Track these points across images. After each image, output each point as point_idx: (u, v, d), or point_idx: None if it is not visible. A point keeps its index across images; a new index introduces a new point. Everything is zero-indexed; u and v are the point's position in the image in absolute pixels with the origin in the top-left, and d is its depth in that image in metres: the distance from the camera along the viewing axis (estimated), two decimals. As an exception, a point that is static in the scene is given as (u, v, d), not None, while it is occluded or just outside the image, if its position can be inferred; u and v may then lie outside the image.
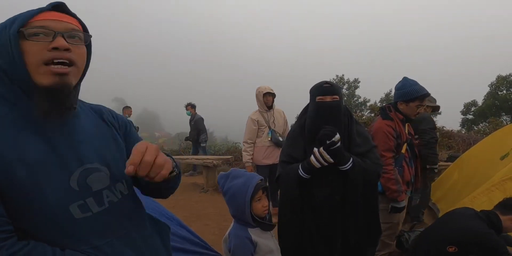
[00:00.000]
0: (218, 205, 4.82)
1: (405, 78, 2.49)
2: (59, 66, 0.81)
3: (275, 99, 4.17)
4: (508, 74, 22.85)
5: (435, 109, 3.95)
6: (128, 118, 6.98)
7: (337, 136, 1.65)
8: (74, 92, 0.88)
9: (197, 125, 7.33)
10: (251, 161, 4.09)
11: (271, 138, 4.01)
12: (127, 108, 7.22)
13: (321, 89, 1.81)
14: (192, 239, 1.94)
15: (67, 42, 0.83)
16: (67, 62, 0.83)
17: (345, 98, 32.26)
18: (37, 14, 0.83)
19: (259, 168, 4.12)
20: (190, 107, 7.48)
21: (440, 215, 3.05)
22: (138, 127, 7.30)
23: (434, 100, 3.83)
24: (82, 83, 0.94)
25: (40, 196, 0.78)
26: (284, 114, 4.30)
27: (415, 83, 2.42)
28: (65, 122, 0.88)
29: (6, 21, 0.84)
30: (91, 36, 0.91)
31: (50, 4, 0.86)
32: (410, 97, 2.39)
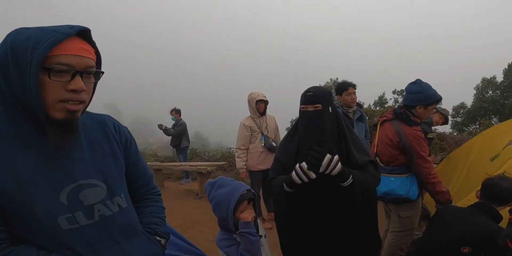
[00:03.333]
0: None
1: (420, 81, 2.39)
2: (72, 103, 0.86)
3: (267, 106, 4.16)
4: (492, 76, 23.38)
5: (446, 120, 4.05)
6: None
7: (336, 157, 1.58)
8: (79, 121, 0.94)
9: (180, 131, 7.24)
10: (245, 167, 4.08)
11: (264, 144, 4.01)
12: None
13: (304, 98, 1.77)
14: (184, 246, 1.93)
15: (83, 80, 0.86)
16: (79, 102, 0.88)
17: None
18: (61, 42, 0.82)
19: (253, 174, 4.12)
20: (175, 112, 7.36)
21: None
22: None
23: (447, 112, 3.95)
24: None
25: (29, 209, 0.85)
26: (275, 120, 4.31)
27: (430, 86, 2.36)
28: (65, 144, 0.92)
29: (24, 40, 0.81)
30: (103, 73, 0.95)
31: (77, 28, 0.86)
32: (431, 100, 2.32)
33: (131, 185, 1.12)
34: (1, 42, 0.85)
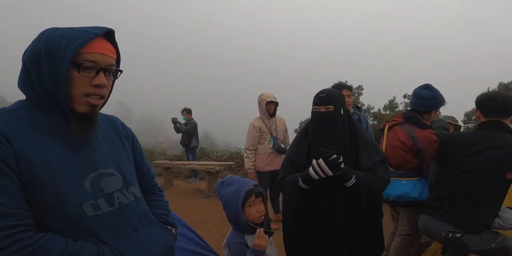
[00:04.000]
0: (220, 211, 4.77)
1: (431, 86, 2.41)
2: (95, 97, 0.95)
3: (277, 107, 4.19)
4: (510, 81, 22.71)
5: (458, 128, 4.07)
6: None
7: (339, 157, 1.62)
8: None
9: (190, 130, 7.35)
10: (254, 167, 4.11)
11: (273, 145, 4.03)
12: None
13: (316, 99, 1.81)
14: (199, 242, 1.97)
15: (105, 77, 0.94)
16: (99, 97, 0.97)
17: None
18: (89, 42, 0.91)
19: (261, 175, 4.14)
20: (186, 112, 7.51)
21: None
22: None
23: (455, 120, 3.97)
24: None
25: (58, 195, 0.89)
26: (284, 121, 4.34)
27: (438, 89, 2.42)
28: (87, 136, 0.99)
29: (58, 38, 0.90)
30: (121, 72, 1.03)
31: (104, 29, 0.96)
32: (442, 104, 2.41)
33: (137, 180, 1.18)
34: (35, 40, 0.93)
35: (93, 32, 0.93)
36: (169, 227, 1.18)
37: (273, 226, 3.99)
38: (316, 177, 1.64)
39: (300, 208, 1.79)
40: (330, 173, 1.59)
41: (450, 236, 1.95)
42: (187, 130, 7.34)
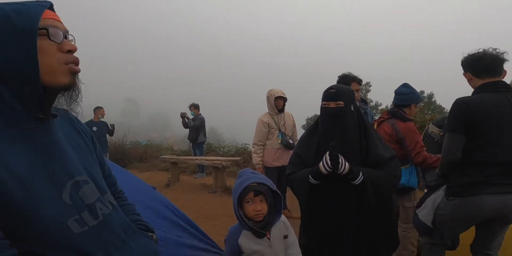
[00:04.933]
0: (227, 206, 4.83)
1: (408, 84, 2.83)
2: (75, 66, 0.83)
3: (286, 103, 4.17)
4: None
5: None
6: (102, 119, 6.99)
7: (346, 164, 1.64)
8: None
9: (198, 125, 7.38)
10: (261, 163, 4.10)
11: (281, 141, 4.01)
12: (99, 109, 6.97)
13: (326, 94, 1.77)
14: (200, 237, 1.97)
15: None
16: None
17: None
18: (44, 11, 0.81)
19: (268, 170, 4.12)
20: (194, 107, 7.51)
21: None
22: (113, 125, 7.34)
23: None
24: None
25: (35, 213, 0.74)
26: (293, 117, 4.32)
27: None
28: (47, 131, 0.83)
29: (13, 11, 0.77)
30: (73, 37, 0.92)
31: (47, 2, 0.86)
32: (420, 99, 2.82)
33: None
34: None
35: (41, 4, 0.82)
36: (149, 234, 1.07)
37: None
38: (325, 172, 1.64)
39: (310, 204, 1.77)
40: (330, 166, 1.62)
41: None
42: (195, 125, 7.36)
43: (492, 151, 1.85)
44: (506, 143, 1.84)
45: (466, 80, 2.07)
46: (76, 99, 0.86)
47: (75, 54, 0.86)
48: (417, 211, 2.20)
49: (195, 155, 7.75)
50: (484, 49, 1.99)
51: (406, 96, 2.73)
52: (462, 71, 2.08)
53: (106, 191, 0.94)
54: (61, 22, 0.85)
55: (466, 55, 2.06)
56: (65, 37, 0.83)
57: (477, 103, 1.88)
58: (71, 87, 0.83)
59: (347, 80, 3.11)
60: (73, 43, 0.86)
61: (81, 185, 0.84)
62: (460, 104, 1.92)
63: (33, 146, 0.78)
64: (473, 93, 2.00)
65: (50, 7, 0.86)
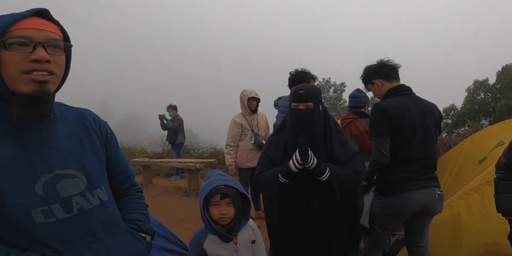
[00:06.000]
0: (201, 209, 4.75)
1: (360, 89, 3.12)
2: (40, 73, 0.84)
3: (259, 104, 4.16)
4: (485, 78, 23.65)
5: None
6: None
7: (314, 159, 1.67)
8: (52, 99, 0.90)
9: (177, 126, 7.31)
10: (235, 164, 4.06)
11: (254, 141, 3.99)
12: None
13: (295, 95, 1.77)
14: (172, 240, 1.92)
15: (47, 52, 0.84)
16: (47, 73, 0.85)
17: (330, 102, 32.54)
18: (19, 21, 0.84)
19: (241, 171, 4.10)
20: (171, 109, 7.47)
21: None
22: None
23: None
24: (66, 86, 0.96)
25: (1, 200, 0.80)
26: (266, 118, 4.32)
27: None
28: (40, 128, 0.89)
29: None
30: (71, 46, 0.93)
31: (33, 10, 0.87)
32: (369, 102, 3.25)
33: (111, 181, 1.08)
34: None
35: (20, 14, 0.86)
36: (143, 235, 1.07)
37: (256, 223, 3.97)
38: (295, 169, 1.65)
39: (279, 201, 1.77)
40: (301, 162, 1.64)
41: None
42: (174, 126, 7.29)
43: (411, 149, 2.02)
44: (419, 141, 2.03)
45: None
46: (42, 107, 0.86)
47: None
48: None
49: (173, 157, 7.64)
50: (381, 59, 2.27)
51: (361, 99, 3.15)
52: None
53: (97, 187, 0.96)
54: (46, 30, 0.87)
55: (365, 68, 2.31)
56: (43, 46, 0.84)
57: (394, 106, 2.04)
58: (34, 95, 0.84)
59: (307, 77, 3.05)
60: (59, 53, 0.89)
61: (60, 179, 0.88)
62: (380, 108, 2.05)
63: (18, 142, 0.85)
64: (384, 98, 2.18)
65: (40, 13, 0.88)
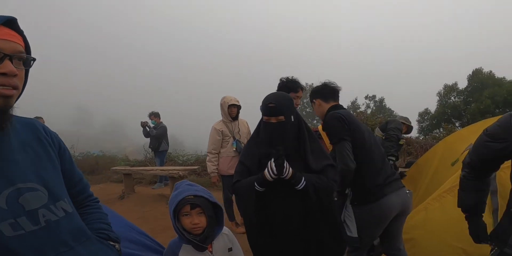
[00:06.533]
0: (184, 216, 4.71)
1: None
2: (6, 87, 0.82)
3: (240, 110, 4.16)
4: (454, 82, 24.56)
5: (410, 129, 4.39)
6: None
7: (289, 169, 1.68)
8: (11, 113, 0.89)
9: (160, 134, 7.22)
10: (217, 171, 4.06)
11: (236, 148, 4.00)
12: (38, 119, 6.73)
13: (266, 109, 1.77)
14: (157, 249, 1.91)
15: (14, 65, 0.83)
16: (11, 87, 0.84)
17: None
18: None
19: (224, 178, 4.10)
20: (154, 116, 7.35)
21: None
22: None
23: (410, 121, 4.30)
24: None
25: None
26: (247, 124, 4.32)
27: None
28: None
29: None
30: (34, 60, 0.92)
31: (2, 18, 0.85)
32: None
33: (68, 191, 1.07)
34: None
35: None
36: (111, 243, 1.09)
37: (240, 230, 3.97)
38: (270, 179, 1.66)
39: (257, 210, 1.79)
40: (275, 173, 1.65)
41: None
42: (157, 134, 7.18)
43: (372, 154, 2.15)
44: (374, 146, 2.18)
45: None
46: (4, 123, 0.85)
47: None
48: (346, 231, 2.24)
49: (156, 164, 7.54)
50: (326, 80, 2.45)
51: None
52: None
53: (59, 199, 0.96)
54: (13, 41, 0.85)
55: (312, 89, 2.48)
56: (9, 59, 0.83)
57: (347, 113, 2.22)
58: None
59: (296, 87, 3.02)
60: (21, 67, 0.87)
61: (23, 192, 0.87)
62: (336, 115, 2.17)
63: None
64: (325, 116, 2.32)
65: (8, 22, 0.86)
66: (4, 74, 0.81)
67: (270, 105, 1.74)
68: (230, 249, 1.61)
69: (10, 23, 0.87)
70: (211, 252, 1.54)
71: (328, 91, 2.40)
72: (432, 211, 2.51)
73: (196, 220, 1.48)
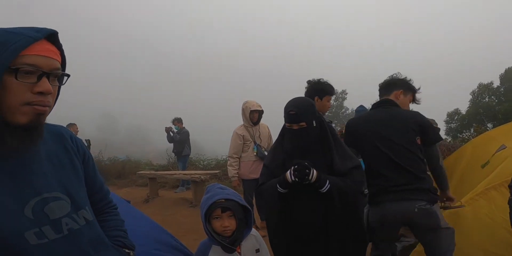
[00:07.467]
0: (207, 220, 4.76)
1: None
2: (40, 106, 0.83)
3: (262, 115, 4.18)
4: (489, 81, 23.50)
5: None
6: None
7: (314, 173, 1.68)
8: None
9: (183, 139, 7.49)
10: (237, 175, 4.09)
11: (257, 153, 4.01)
12: (71, 125, 6.83)
13: (287, 116, 1.80)
14: (184, 250, 1.95)
15: (50, 83, 0.84)
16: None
17: (332, 111, 32.48)
18: (31, 45, 0.80)
19: (245, 183, 4.12)
20: (177, 122, 7.67)
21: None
22: (89, 140, 7.14)
23: (436, 123, 4.24)
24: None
25: None
26: (268, 129, 4.33)
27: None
28: (21, 155, 0.88)
29: None
30: (69, 76, 0.92)
31: (45, 31, 0.85)
32: None
33: (89, 198, 1.09)
34: None
35: (31, 36, 0.81)
36: (127, 250, 1.10)
37: (260, 233, 3.97)
38: (290, 181, 1.69)
39: (280, 211, 1.81)
40: (292, 179, 1.68)
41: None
42: (180, 139, 7.47)
43: (376, 161, 2.12)
44: (380, 153, 2.10)
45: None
46: (36, 140, 0.86)
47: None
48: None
49: (178, 168, 7.76)
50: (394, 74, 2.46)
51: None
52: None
53: (81, 207, 0.98)
54: (52, 58, 0.84)
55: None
56: (47, 76, 0.83)
57: (353, 122, 2.38)
58: (30, 126, 0.83)
59: (330, 90, 2.86)
60: (56, 83, 0.87)
61: (48, 202, 0.89)
62: (346, 124, 2.39)
63: (1, 169, 0.84)
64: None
65: (50, 36, 0.86)
66: (41, 92, 0.82)
67: (291, 113, 1.77)
68: (257, 250, 1.63)
69: (51, 36, 0.87)
70: (239, 253, 1.56)
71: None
72: (464, 215, 2.43)
73: (227, 223, 1.52)
